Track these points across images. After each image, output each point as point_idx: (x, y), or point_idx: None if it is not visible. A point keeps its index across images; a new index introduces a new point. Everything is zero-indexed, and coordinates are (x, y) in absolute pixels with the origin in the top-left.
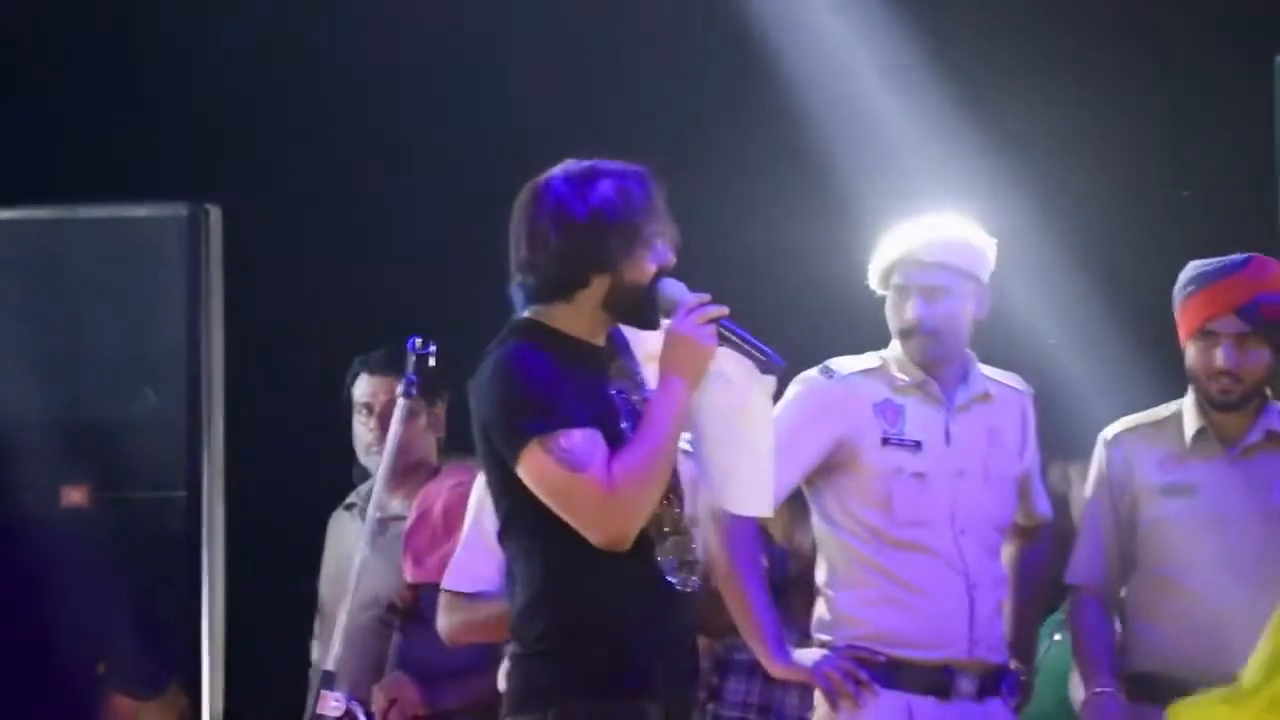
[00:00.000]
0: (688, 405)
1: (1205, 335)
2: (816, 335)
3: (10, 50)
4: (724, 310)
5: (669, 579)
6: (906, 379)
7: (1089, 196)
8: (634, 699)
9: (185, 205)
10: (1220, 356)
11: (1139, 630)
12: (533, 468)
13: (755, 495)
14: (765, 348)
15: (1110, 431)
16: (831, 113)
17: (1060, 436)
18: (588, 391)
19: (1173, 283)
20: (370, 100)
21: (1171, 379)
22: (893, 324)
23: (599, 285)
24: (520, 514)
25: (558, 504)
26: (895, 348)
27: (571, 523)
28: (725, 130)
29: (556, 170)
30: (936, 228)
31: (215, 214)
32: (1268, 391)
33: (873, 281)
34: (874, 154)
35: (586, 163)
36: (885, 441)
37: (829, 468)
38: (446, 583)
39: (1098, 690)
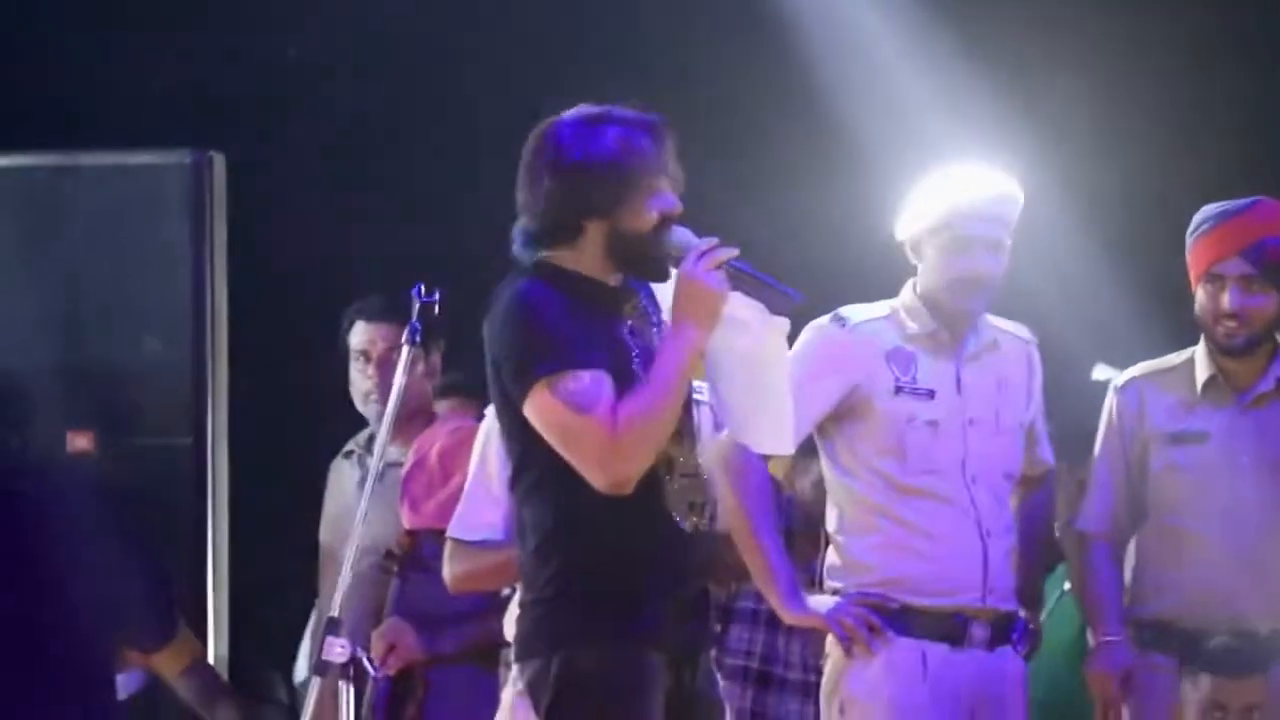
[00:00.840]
0: (699, 350)
1: (1212, 279)
2: (834, 295)
3: None
4: (733, 251)
5: (679, 522)
6: (918, 327)
7: (1102, 155)
8: (640, 647)
9: (189, 152)
10: (1226, 299)
11: (1149, 577)
12: (539, 408)
13: (776, 433)
14: (780, 285)
15: (1121, 379)
16: (847, 75)
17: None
18: (599, 332)
19: (1182, 236)
20: (376, 46)
21: (1180, 336)
22: (944, 273)
23: (596, 231)
24: (530, 457)
25: (562, 446)
26: (906, 296)
27: (575, 465)
28: (743, 96)
29: (568, 114)
30: (988, 181)
31: (219, 160)
32: (1278, 337)
33: (911, 230)
34: (887, 111)
35: (599, 109)
36: (899, 390)
37: (841, 415)
38: (451, 530)
39: (1107, 638)
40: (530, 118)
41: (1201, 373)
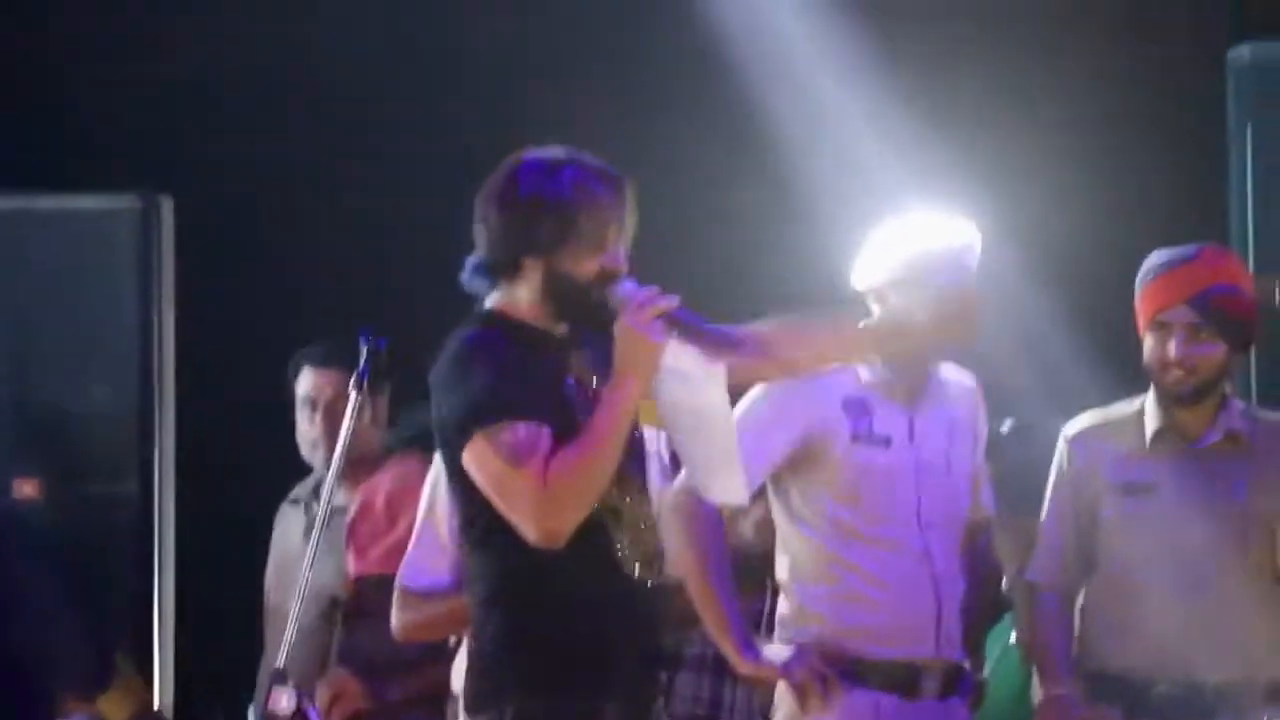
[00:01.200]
0: (634, 402)
1: (1158, 326)
2: None
3: None
4: (673, 301)
5: (628, 573)
6: (873, 376)
7: (1046, 192)
8: (592, 699)
9: (138, 196)
10: (1172, 348)
11: (1098, 629)
12: (475, 459)
13: (725, 483)
14: (718, 330)
15: (1072, 429)
16: (795, 116)
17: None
18: (543, 383)
19: (1130, 281)
20: (324, 91)
21: (1132, 380)
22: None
23: (533, 270)
24: (475, 507)
25: (496, 498)
26: None
27: (509, 518)
28: (689, 133)
29: (531, 152)
30: (954, 230)
31: (168, 205)
32: (1227, 388)
33: (873, 280)
34: (836, 155)
35: (563, 152)
36: (855, 438)
37: (795, 462)
38: (399, 577)
39: (1056, 691)
40: (478, 159)
41: (1151, 422)
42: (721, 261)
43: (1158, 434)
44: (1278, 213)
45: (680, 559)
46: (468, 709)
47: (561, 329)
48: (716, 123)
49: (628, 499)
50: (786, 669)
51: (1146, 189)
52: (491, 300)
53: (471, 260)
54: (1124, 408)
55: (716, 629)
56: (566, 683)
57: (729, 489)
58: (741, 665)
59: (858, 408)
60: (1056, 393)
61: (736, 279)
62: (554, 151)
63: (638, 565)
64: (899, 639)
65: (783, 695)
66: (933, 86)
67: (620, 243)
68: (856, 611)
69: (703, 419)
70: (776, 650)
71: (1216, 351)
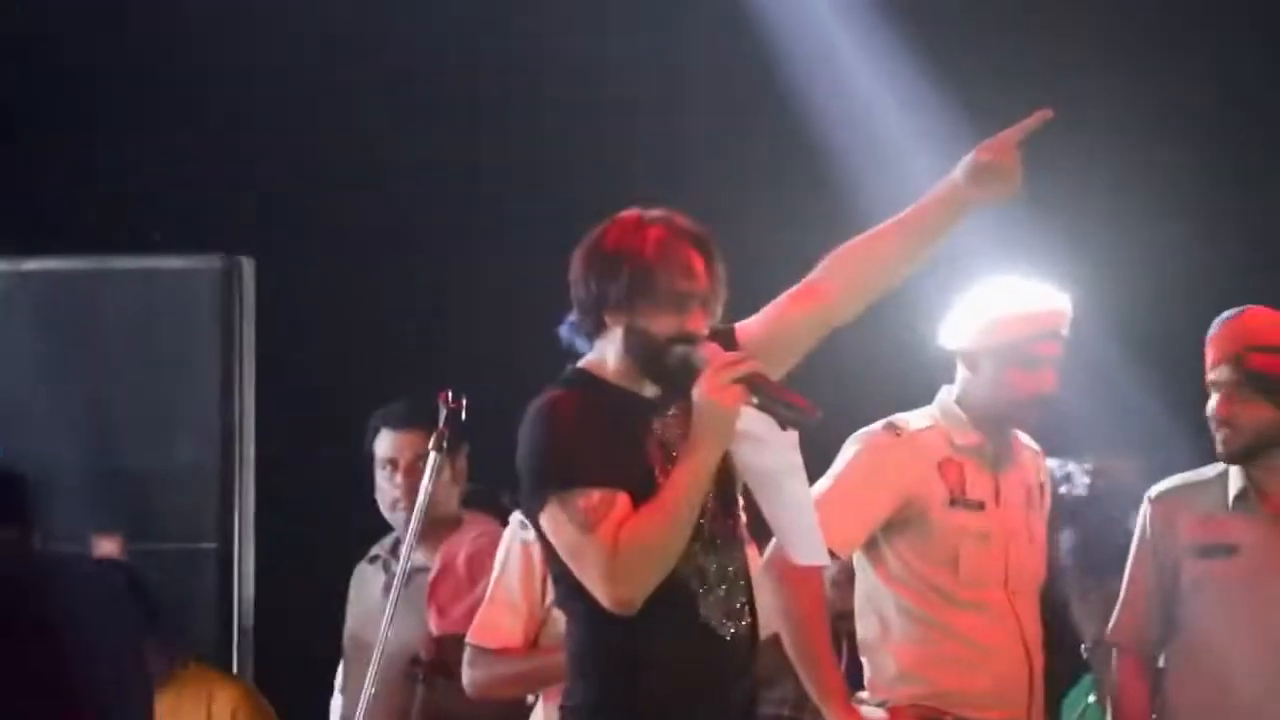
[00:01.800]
0: (708, 469)
1: (1210, 386)
2: (869, 408)
3: (47, 99)
4: (754, 366)
5: (715, 630)
6: (964, 439)
7: (1098, 212)
8: None
9: (220, 257)
10: (1211, 405)
11: (1175, 692)
12: (550, 524)
13: (808, 545)
14: (795, 403)
15: (1155, 490)
16: (841, 129)
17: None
18: (622, 446)
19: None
20: (404, 152)
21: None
22: (1013, 390)
23: (616, 328)
24: (563, 568)
25: (569, 562)
26: (948, 405)
27: (583, 583)
28: (734, 151)
29: (629, 210)
30: (1054, 298)
31: (249, 266)
32: None
33: (970, 342)
34: (883, 171)
35: (660, 211)
36: (952, 502)
37: (892, 525)
38: (471, 637)
39: None
40: (563, 213)
41: (1234, 485)
42: (765, 279)
43: (1239, 496)
44: None
45: (779, 619)
46: None
47: (651, 391)
48: (761, 131)
49: (712, 557)
50: None
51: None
52: (582, 360)
53: (569, 317)
54: (1209, 471)
55: (819, 689)
56: None
57: (809, 551)
58: None
59: (952, 471)
60: (1148, 454)
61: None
62: (651, 210)
63: (725, 622)
64: (995, 703)
65: None
66: (982, 94)
67: (704, 306)
68: (953, 675)
69: (779, 484)
70: (875, 713)
71: (1259, 409)
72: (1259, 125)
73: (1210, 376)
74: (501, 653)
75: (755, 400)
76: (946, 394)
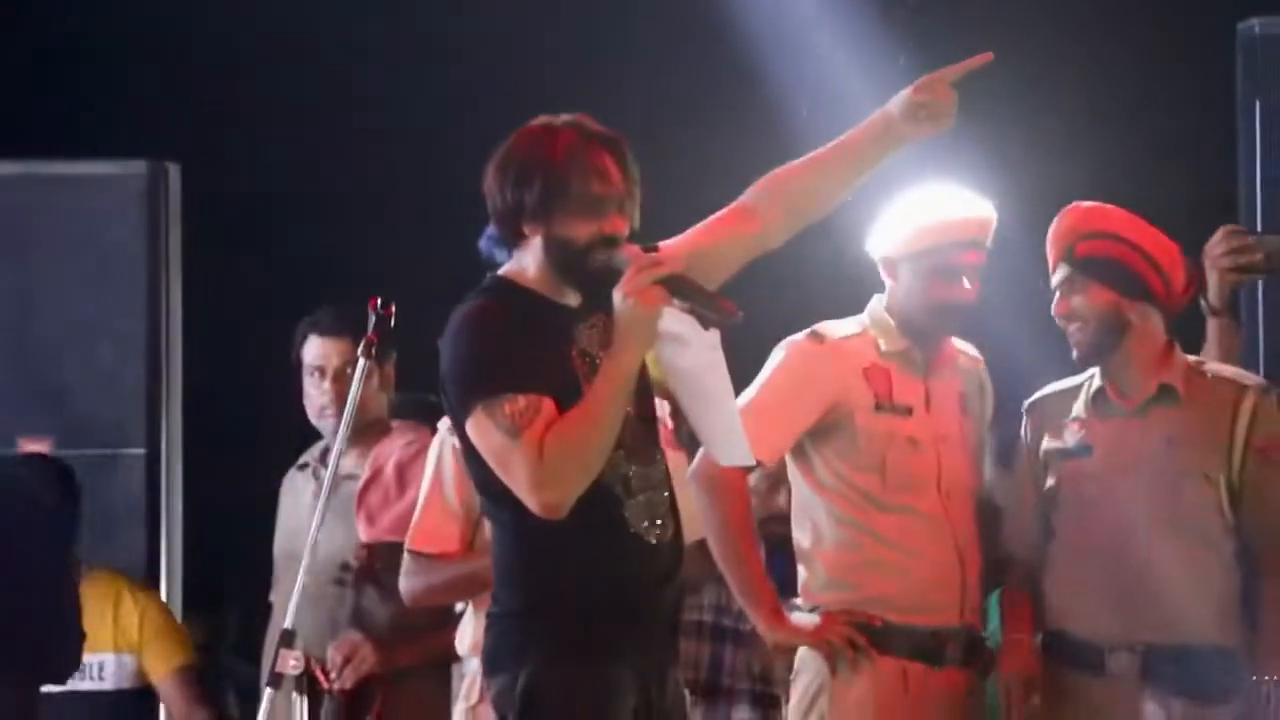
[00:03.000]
0: (631, 370)
1: (1054, 291)
2: (806, 314)
3: None
4: (672, 268)
5: (641, 537)
6: (891, 345)
7: (1056, 170)
8: (606, 663)
9: (145, 162)
10: (1054, 306)
11: (1049, 591)
12: (476, 432)
13: (733, 446)
14: (717, 302)
15: (1029, 400)
16: (808, 83)
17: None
18: (546, 354)
19: None
20: (331, 56)
21: None
22: (929, 298)
23: (534, 237)
24: (488, 477)
25: (498, 470)
26: (877, 313)
27: (511, 489)
28: (703, 106)
29: (536, 120)
30: (974, 206)
31: (174, 171)
32: (1172, 349)
33: (890, 250)
34: (840, 124)
35: (567, 118)
36: (878, 407)
37: (818, 431)
38: (410, 543)
39: (1015, 637)
40: (486, 124)
41: (1094, 385)
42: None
43: (1094, 396)
44: None
45: (705, 525)
46: (485, 670)
47: (572, 299)
48: (729, 90)
49: (636, 465)
50: (818, 635)
51: (1157, 162)
52: (502, 269)
53: (487, 230)
54: (1079, 377)
55: (745, 596)
56: (581, 648)
57: (734, 453)
58: (773, 633)
59: (879, 377)
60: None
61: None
62: (555, 118)
63: (650, 529)
64: (925, 607)
65: (806, 661)
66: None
67: (621, 209)
68: (883, 579)
69: (702, 384)
70: (805, 618)
71: (1097, 299)
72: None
73: (1053, 281)
74: (440, 558)
75: (676, 301)
76: (877, 302)
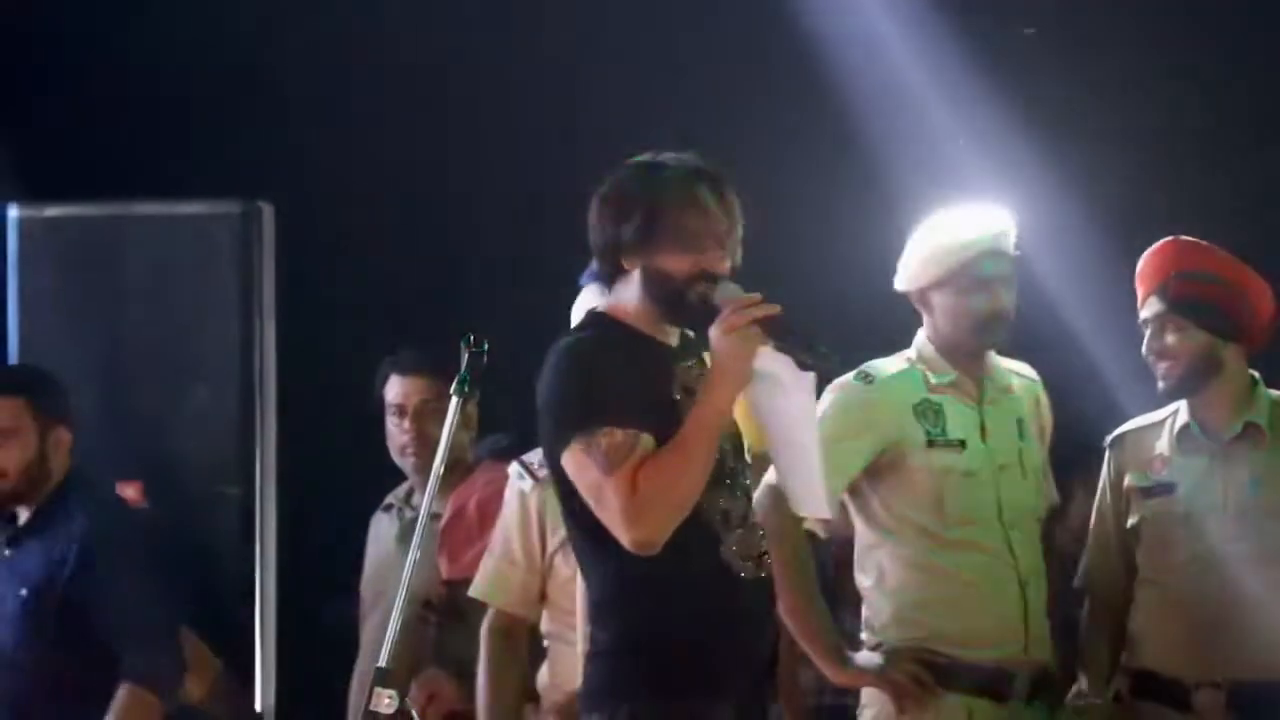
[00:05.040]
0: (726, 410)
1: (1143, 325)
2: (865, 329)
3: (68, 45)
4: (771, 309)
5: (738, 573)
6: (939, 378)
7: (1129, 197)
8: (707, 699)
9: (239, 202)
10: (1146, 341)
11: (1135, 629)
12: (573, 466)
13: (813, 496)
14: (818, 345)
15: (1112, 435)
16: (882, 112)
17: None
18: (645, 389)
19: None
20: (427, 97)
21: None
22: (967, 315)
23: (633, 270)
24: (582, 512)
25: (592, 503)
26: (922, 347)
27: (605, 524)
28: (776, 127)
29: (641, 156)
30: (990, 217)
31: (268, 211)
32: (1255, 385)
33: (919, 280)
34: (922, 152)
35: (671, 155)
36: (931, 443)
37: (874, 472)
38: (474, 589)
39: (1083, 700)
40: (578, 168)
41: (1179, 421)
42: (807, 255)
43: (1180, 433)
44: None
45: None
46: (583, 708)
47: (673, 338)
48: (803, 115)
49: (733, 500)
50: (885, 675)
51: (1239, 194)
52: (601, 304)
53: (589, 266)
54: (1163, 412)
55: (808, 639)
56: (680, 684)
57: (813, 503)
58: (837, 676)
59: (929, 412)
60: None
61: (821, 273)
62: (660, 155)
63: (746, 565)
64: (990, 641)
65: (871, 697)
66: (1016, 85)
67: (721, 245)
68: (946, 616)
69: (792, 429)
70: (868, 658)
71: (1191, 339)
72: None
73: (1142, 315)
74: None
75: (773, 342)
76: (920, 336)
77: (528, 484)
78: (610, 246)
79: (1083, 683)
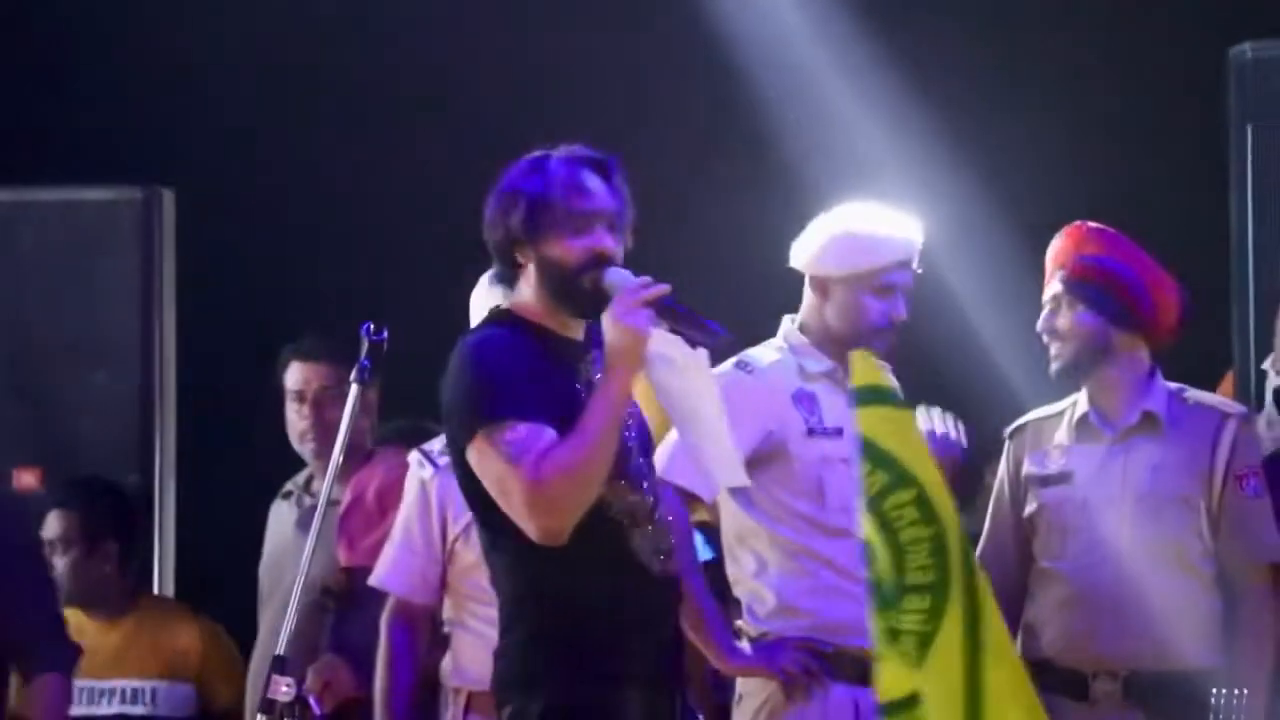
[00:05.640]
0: (624, 394)
1: (1044, 305)
2: (774, 319)
3: None
4: (662, 290)
5: (647, 568)
6: (816, 367)
7: (1037, 188)
8: (617, 688)
9: (139, 188)
10: (1040, 321)
11: (1031, 619)
12: (477, 459)
13: (725, 467)
14: (709, 321)
15: (1011, 426)
16: (789, 101)
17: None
18: (551, 385)
19: None
20: (326, 83)
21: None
22: (864, 317)
23: (528, 263)
24: (489, 506)
25: (496, 496)
26: (793, 334)
27: (510, 516)
28: (681, 119)
29: (532, 152)
30: (908, 226)
31: (169, 197)
32: (1155, 372)
33: (823, 268)
34: (828, 141)
35: (561, 148)
36: (810, 431)
37: (755, 460)
38: (375, 578)
39: None
40: (480, 153)
41: (1077, 411)
42: (715, 246)
43: (1078, 423)
44: (1274, 214)
45: None
46: (497, 699)
47: (576, 332)
48: (707, 102)
49: (640, 496)
50: (774, 664)
51: (1145, 185)
52: (505, 302)
53: (493, 269)
54: (1063, 403)
55: (695, 628)
56: (592, 674)
57: (726, 474)
58: (727, 667)
59: (807, 401)
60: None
61: (731, 263)
62: (548, 148)
63: (655, 560)
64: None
65: (753, 689)
66: (929, 81)
67: (610, 227)
68: (835, 604)
69: (691, 406)
70: (757, 647)
71: (1085, 322)
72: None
73: (1045, 295)
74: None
75: (666, 324)
76: (790, 323)
77: (428, 472)
78: (503, 241)
79: None
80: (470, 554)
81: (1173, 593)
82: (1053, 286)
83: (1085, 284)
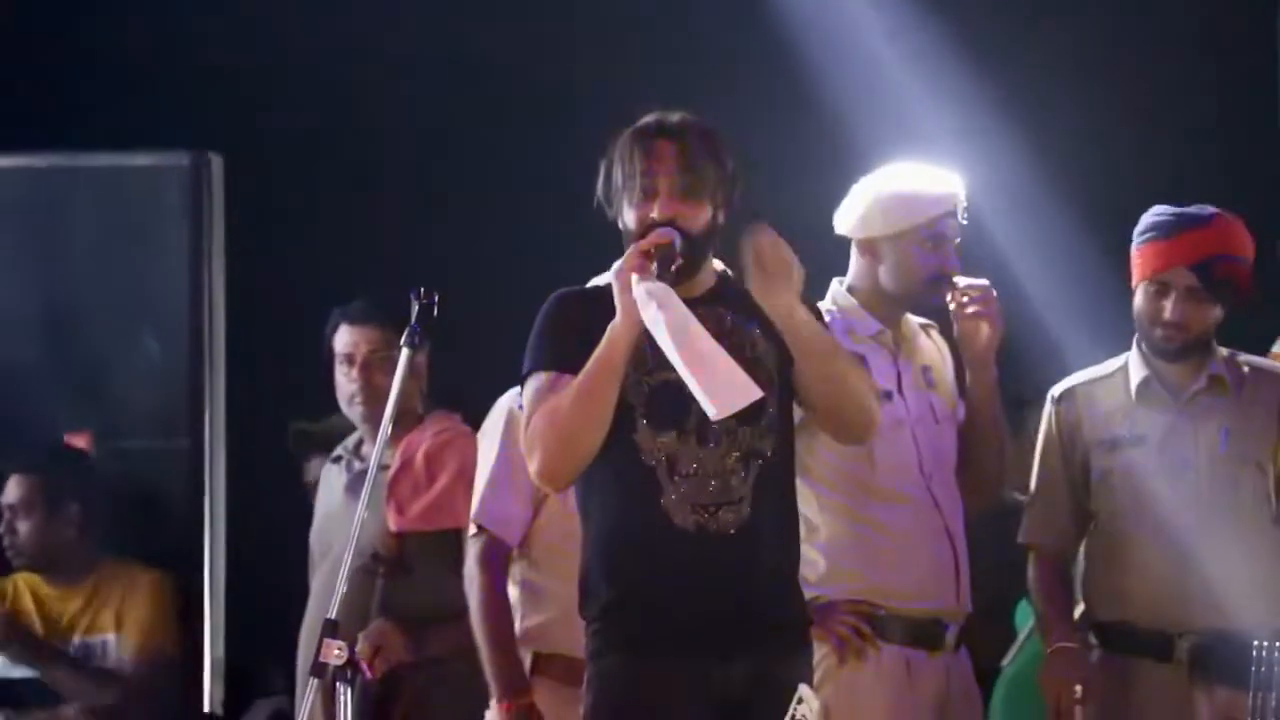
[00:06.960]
0: (621, 344)
1: (1157, 284)
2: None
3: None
4: (654, 240)
5: (681, 524)
6: (864, 329)
7: (1090, 152)
8: (667, 658)
9: (187, 154)
10: (1168, 308)
11: (1100, 581)
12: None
13: (734, 386)
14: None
15: (1058, 389)
16: (839, 68)
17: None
18: (593, 340)
19: None
20: (375, 47)
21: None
22: (920, 272)
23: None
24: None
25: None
26: (842, 297)
27: None
28: (733, 86)
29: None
30: (948, 179)
31: (217, 162)
32: (1213, 343)
33: (872, 229)
34: (879, 107)
35: (647, 116)
36: None
37: (806, 424)
38: (480, 518)
39: (1061, 645)
40: (534, 119)
41: (1135, 376)
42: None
43: (1142, 386)
44: None
45: None
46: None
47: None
48: (754, 72)
49: (686, 446)
50: (826, 627)
51: (1195, 166)
52: None
53: None
54: (1108, 366)
55: None
56: (638, 643)
57: (739, 393)
58: None
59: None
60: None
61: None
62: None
63: (691, 516)
64: (927, 594)
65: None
66: (967, 35)
67: (649, 195)
68: (883, 568)
69: (688, 335)
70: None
71: (1210, 314)
72: None
73: (1162, 276)
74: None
75: (656, 270)
76: (838, 285)
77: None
78: (604, 207)
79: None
80: (555, 503)
81: (1248, 555)
82: (1182, 275)
83: (1225, 284)
